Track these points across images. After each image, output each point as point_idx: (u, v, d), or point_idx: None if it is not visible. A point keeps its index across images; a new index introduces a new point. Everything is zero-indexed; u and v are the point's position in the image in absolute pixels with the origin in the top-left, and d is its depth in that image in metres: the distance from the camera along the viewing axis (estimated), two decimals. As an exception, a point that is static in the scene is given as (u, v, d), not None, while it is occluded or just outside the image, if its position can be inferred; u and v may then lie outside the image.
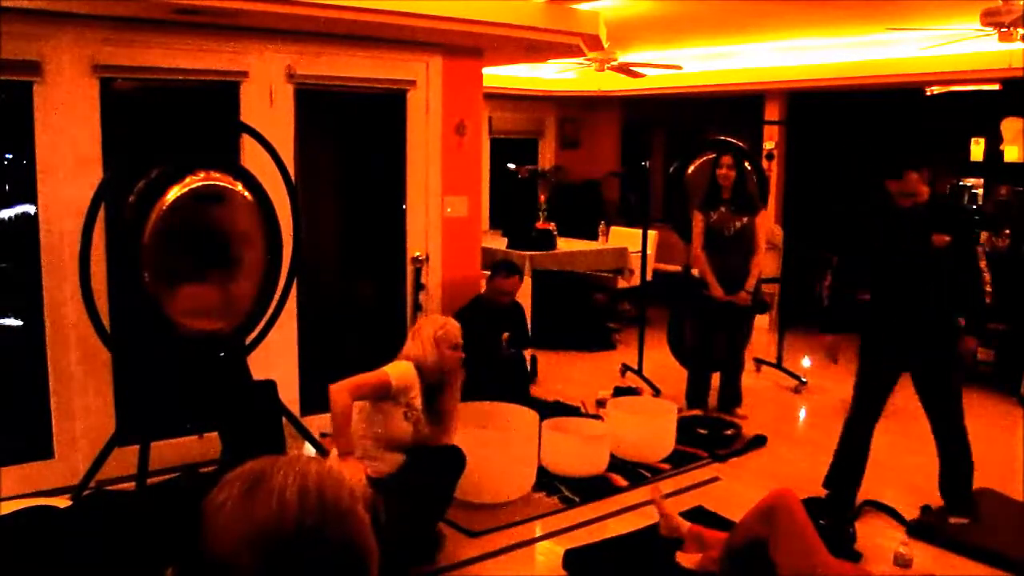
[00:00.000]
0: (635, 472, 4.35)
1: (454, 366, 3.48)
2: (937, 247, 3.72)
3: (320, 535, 0.86)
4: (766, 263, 6.82)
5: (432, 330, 3.49)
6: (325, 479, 0.89)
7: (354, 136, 5.32)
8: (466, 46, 5.01)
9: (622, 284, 7.69)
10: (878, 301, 3.90)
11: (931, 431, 3.86)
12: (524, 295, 6.00)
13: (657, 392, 5.68)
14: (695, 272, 5.42)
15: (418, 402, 3.41)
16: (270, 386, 4.12)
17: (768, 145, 7.98)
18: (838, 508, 3.83)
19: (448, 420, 3.57)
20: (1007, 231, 6.70)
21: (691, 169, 6.37)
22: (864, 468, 3.94)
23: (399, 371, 3.38)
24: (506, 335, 4.95)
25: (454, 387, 3.58)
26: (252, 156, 4.12)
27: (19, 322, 4.18)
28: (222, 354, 3.93)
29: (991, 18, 4.54)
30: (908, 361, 3.85)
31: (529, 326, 5.47)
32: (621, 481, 4.23)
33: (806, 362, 6.57)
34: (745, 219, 5.22)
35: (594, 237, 8.21)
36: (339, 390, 3.21)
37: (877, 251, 3.89)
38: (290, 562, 0.84)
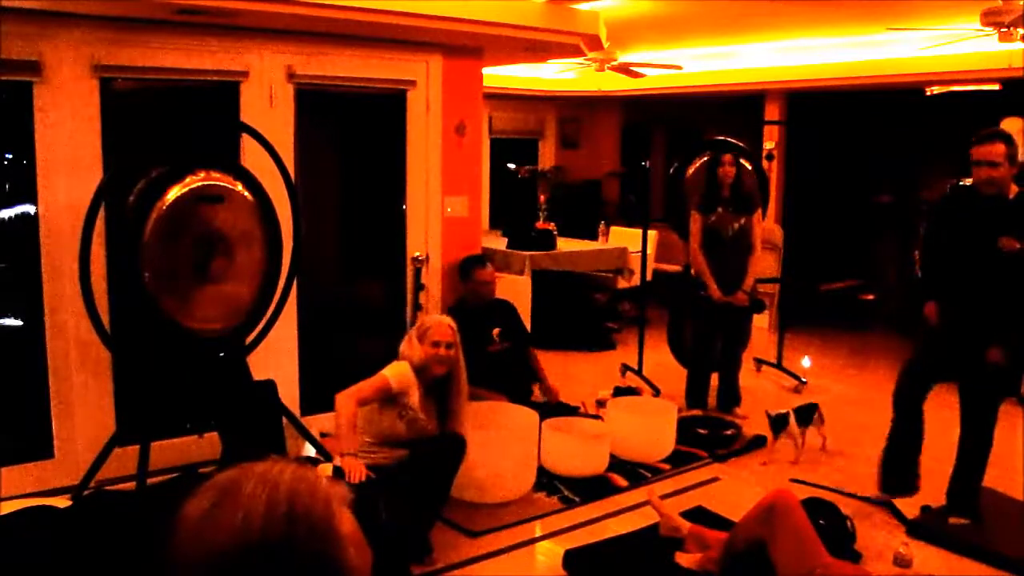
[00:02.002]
0: (635, 472, 4.35)
1: (442, 364, 3.49)
2: (1005, 252, 3.48)
3: (287, 549, 0.82)
4: (765, 263, 6.83)
5: (418, 327, 3.55)
6: (298, 488, 0.85)
7: (354, 136, 5.32)
8: (466, 46, 5.01)
9: (622, 284, 7.70)
10: (938, 293, 3.77)
11: (960, 422, 3.81)
12: (524, 295, 6.00)
13: (657, 392, 5.68)
14: (694, 272, 5.42)
15: (414, 401, 3.42)
16: (270, 386, 4.12)
17: (768, 145, 7.98)
18: (897, 489, 3.87)
19: (455, 420, 3.57)
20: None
21: (691, 169, 6.37)
22: (920, 444, 3.91)
23: (396, 372, 3.44)
24: (497, 330, 4.94)
25: (458, 387, 3.58)
26: (252, 156, 4.12)
27: (19, 322, 4.18)
28: (222, 354, 3.93)
29: (991, 18, 4.55)
30: (958, 358, 3.75)
31: (527, 324, 5.45)
32: (621, 481, 4.23)
33: (806, 362, 6.57)
34: (743, 220, 5.22)
35: (594, 237, 8.22)
36: (345, 398, 3.31)
37: (942, 243, 3.73)
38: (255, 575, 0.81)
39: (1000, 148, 3.49)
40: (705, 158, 6.09)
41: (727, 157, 5.22)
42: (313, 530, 0.84)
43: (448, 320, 3.61)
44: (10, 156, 4.21)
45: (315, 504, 0.85)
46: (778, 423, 4.52)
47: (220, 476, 0.88)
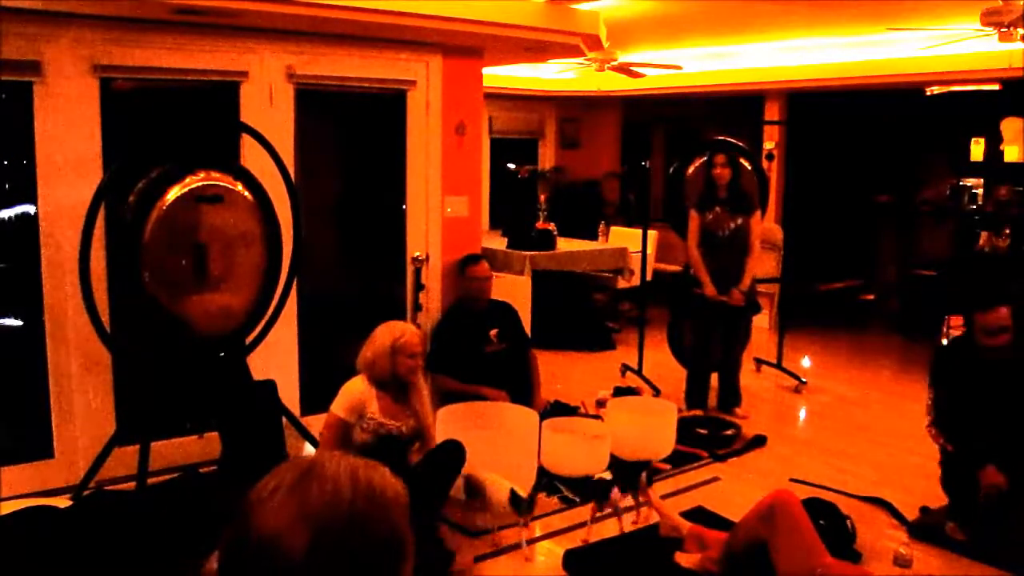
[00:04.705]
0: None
1: (410, 372, 3.50)
2: None
3: (369, 522, 0.90)
4: (765, 262, 6.83)
5: (390, 339, 3.48)
6: (373, 472, 0.94)
7: (354, 136, 5.32)
8: (466, 46, 5.01)
9: (622, 284, 7.69)
10: (959, 453, 3.54)
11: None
12: (524, 295, 6.00)
13: (657, 392, 5.67)
14: (692, 270, 5.42)
15: (373, 411, 3.43)
16: (270, 386, 4.12)
17: (768, 145, 7.98)
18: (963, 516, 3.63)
19: (421, 421, 3.58)
20: (1007, 231, 6.71)
21: (691, 169, 6.37)
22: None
23: (343, 402, 3.44)
24: (494, 331, 4.94)
25: (418, 390, 3.60)
26: (252, 156, 4.12)
27: (19, 322, 4.18)
28: (222, 354, 3.93)
29: (991, 18, 4.54)
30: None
31: (527, 327, 5.45)
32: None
33: (806, 362, 6.57)
34: (740, 220, 5.23)
35: (594, 237, 8.21)
36: None
37: (955, 400, 3.50)
38: (339, 544, 0.88)
39: (1005, 312, 3.38)
40: (704, 158, 6.10)
41: (720, 158, 5.23)
42: (389, 510, 0.93)
43: (415, 328, 3.62)
44: (10, 156, 4.21)
45: (387, 488, 0.94)
46: (599, 492, 3.65)
47: (293, 460, 0.95)
